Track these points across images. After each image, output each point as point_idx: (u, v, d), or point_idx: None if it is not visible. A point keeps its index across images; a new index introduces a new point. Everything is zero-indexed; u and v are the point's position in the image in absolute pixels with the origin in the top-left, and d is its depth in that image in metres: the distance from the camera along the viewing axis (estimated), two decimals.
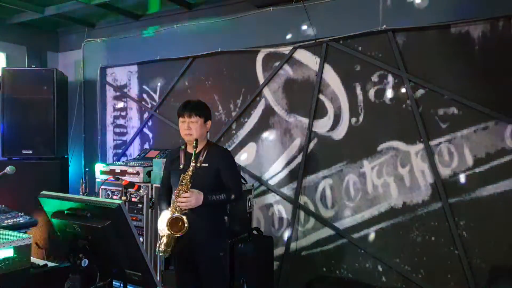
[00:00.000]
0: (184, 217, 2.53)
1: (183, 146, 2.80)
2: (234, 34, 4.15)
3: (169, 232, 2.53)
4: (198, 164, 2.66)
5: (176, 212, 2.55)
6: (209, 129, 2.81)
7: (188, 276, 2.76)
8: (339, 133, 3.72)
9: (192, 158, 2.56)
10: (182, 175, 2.58)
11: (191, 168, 2.55)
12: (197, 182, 2.60)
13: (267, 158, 4.06)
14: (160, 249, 2.62)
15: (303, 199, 3.88)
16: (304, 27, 3.78)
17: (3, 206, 3.46)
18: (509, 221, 3.07)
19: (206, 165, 2.67)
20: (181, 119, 2.71)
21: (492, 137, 3.14)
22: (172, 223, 2.54)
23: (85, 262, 1.80)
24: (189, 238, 2.64)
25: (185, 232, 2.52)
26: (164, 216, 2.63)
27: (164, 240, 2.60)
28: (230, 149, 4.23)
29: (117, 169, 3.91)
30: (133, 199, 3.74)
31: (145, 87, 4.85)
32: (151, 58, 4.67)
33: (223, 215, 2.91)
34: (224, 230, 2.85)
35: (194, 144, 2.60)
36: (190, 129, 2.66)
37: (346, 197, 3.69)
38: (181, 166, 2.70)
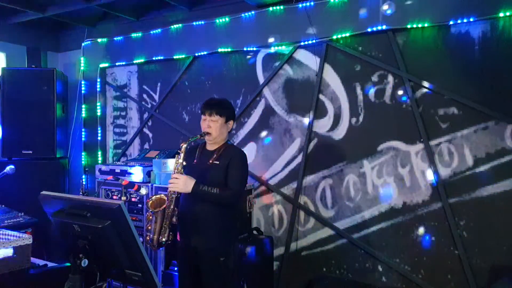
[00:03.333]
0: (165, 196, 2.55)
1: (196, 138, 2.70)
2: (234, 34, 4.15)
3: (151, 209, 2.54)
4: (210, 161, 2.63)
5: (168, 196, 2.57)
6: (231, 129, 2.76)
7: (190, 277, 2.69)
8: (339, 133, 3.72)
9: (187, 144, 2.59)
10: (176, 156, 2.60)
11: (182, 155, 2.57)
12: (205, 179, 2.57)
13: (267, 158, 4.06)
14: (147, 238, 2.59)
15: (303, 199, 3.88)
16: (304, 27, 3.77)
17: (3, 206, 3.46)
18: (509, 221, 3.07)
19: (217, 163, 2.62)
20: (203, 116, 2.67)
21: (492, 137, 3.14)
22: (154, 203, 2.57)
23: (85, 262, 1.79)
24: (193, 240, 2.60)
25: (165, 206, 2.53)
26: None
27: (154, 226, 2.57)
28: None
29: (117, 169, 3.91)
30: (133, 199, 3.75)
31: (145, 87, 4.85)
32: (151, 58, 4.67)
33: (232, 219, 2.73)
34: (230, 235, 2.70)
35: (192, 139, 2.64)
36: (209, 127, 2.62)
37: (346, 197, 3.69)
38: (195, 161, 2.67)
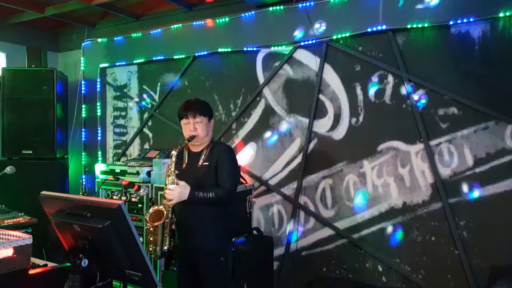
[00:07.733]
0: (163, 208, 2.51)
1: (185, 144, 2.68)
2: (234, 34, 4.15)
3: (149, 223, 2.51)
4: (200, 164, 2.61)
5: (165, 206, 2.53)
6: (213, 127, 2.74)
7: (189, 278, 2.70)
8: (339, 133, 3.72)
9: (176, 153, 2.54)
10: (168, 166, 2.56)
11: (173, 159, 2.53)
12: (197, 182, 2.56)
13: (267, 158, 4.06)
14: (150, 249, 2.58)
15: (303, 199, 3.88)
16: (304, 27, 3.77)
17: (3, 206, 3.46)
18: (509, 221, 3.07)
19: (207, 164, 2.60)
20: (184, 120, 2.62)
21: (492, 137, 3.14)
22: (152, 216, 2.53)
23: (85, 262, 1.79)
24: (191, 241, 2.60)
25: (164, 219, 2.49)
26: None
27: (155, 238, 2.56)
28: None
29: (117, 169, 3.90)
30: (133, 199, 3.75)
31: (145, 87, 4.85)
32: (151, 58, 4.67)
33: (227, 217, 2.76)
34: (228, 234, 2.74)
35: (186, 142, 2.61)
36: (196, 129, 2.58)
37: (346, 197, 3.69)
38: (184, 166, 2.65)
